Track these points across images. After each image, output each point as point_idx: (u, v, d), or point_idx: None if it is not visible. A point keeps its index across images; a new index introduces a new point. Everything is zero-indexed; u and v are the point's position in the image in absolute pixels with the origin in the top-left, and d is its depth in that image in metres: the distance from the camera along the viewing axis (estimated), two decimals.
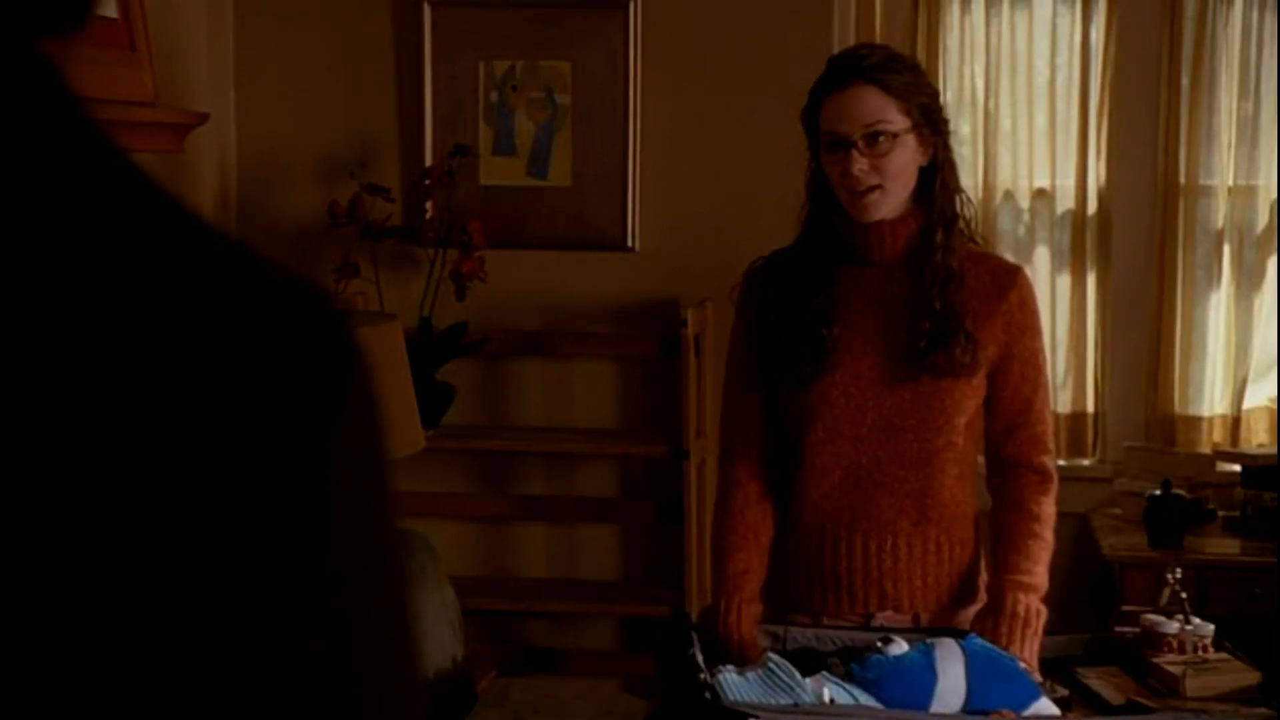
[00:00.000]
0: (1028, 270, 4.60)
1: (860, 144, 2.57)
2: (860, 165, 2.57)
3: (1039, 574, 2.60)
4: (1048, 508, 2.66)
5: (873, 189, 2.58)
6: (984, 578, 2.70)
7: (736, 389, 2.77)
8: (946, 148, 2.67)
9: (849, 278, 2.66)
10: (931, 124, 2.62)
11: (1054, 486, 2.69)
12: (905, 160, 2.60)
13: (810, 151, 2.68)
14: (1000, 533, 2.66)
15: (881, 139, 2.57)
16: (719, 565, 2.70)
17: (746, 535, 2.69)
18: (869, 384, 2.62)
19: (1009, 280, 2.67)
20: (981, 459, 2.74)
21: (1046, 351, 2.79)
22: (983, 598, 2.66)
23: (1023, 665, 2.48)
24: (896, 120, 2.58)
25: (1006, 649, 2.50)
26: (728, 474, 2.75)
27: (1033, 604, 2.57)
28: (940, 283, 2.60)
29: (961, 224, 2.67)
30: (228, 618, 0.77)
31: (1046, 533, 2.64)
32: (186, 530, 0.76)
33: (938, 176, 2.63)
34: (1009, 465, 2.68)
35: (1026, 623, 2.55)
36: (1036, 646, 2.57)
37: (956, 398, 2.61)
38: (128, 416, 0.76)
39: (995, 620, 2.56)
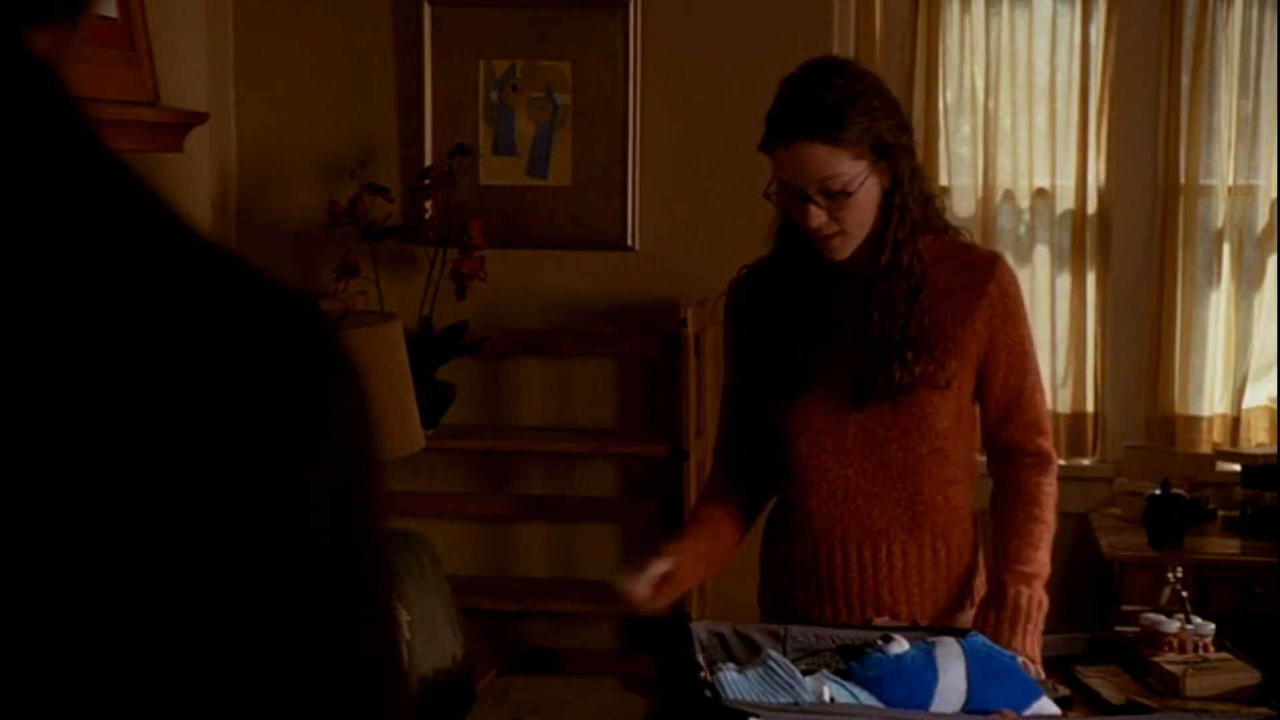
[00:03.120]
0: (1027, 270, 4.64)
1: (817, 198, 2.50)
2: (818, 218, 2.51)
3: (1040, 559, 2.59)
4: (1047, 487, 2.64)
5: (835, 235, 2.53)
6: (980, 581, 2.69)
7: (722, 400, 2.83)
8: (910, 159, 2.57)
9: (824, 292, 2.63)
10: (887, 155, 2.52)
11: (1053, 466, 2.67)
12: (865, 202, 2.52)
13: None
14: (999, 516, 2.64)
15: (837, 193, 2.49)
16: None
17: (698, 532, 2.73)
18: (847, 398, 2.61)
19: (987, 273, 2.62)
20: (981, 459, 2.74)
21: (1035, 339, 2.73)
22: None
23: (1024, 660, 2.48)
24: (848, 169, 2.48)
25: (1008, 642, 2.50)
26: (705, 483, 2.87)
27: (1034, 594, 2.56)
28: (903, 304, 2.56)
29: (939, 220, 2.64)
30: (191, 624, 0.76)
31: (1047, 514, 2.63)
32: (153, 537, 0.75)
33: (895, 197, 2.55)
34: (1006, 452, 2.67)
35: (1028, 616, 2.54)
36: (1038, 637, 2.56)
37: (936, 404, 2.59)
38: (100, 421, 0.75)
39: (996, 614, 2.55)
